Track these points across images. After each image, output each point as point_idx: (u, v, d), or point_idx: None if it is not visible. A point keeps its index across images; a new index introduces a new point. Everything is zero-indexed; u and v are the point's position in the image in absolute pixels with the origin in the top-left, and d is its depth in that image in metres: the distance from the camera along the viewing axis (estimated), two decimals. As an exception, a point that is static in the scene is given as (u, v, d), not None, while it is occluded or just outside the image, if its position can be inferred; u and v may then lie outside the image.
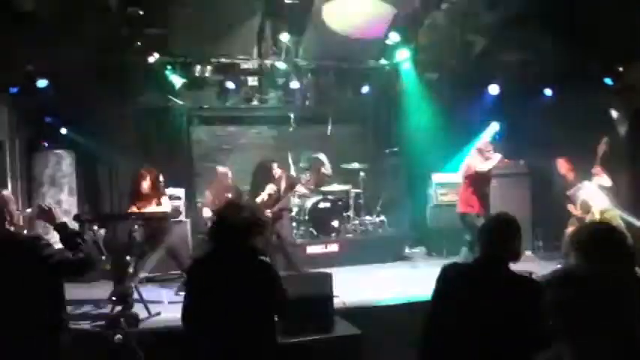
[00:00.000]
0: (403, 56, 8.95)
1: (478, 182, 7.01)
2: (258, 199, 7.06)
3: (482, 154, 7.08)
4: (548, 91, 9.19)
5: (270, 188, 7.15)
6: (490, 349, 2.80)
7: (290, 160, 8.77)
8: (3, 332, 2.97)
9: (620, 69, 8.22)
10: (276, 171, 7.31)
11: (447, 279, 3.07)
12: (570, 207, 7.10)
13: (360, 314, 5.03)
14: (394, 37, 8.67)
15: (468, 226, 6.83)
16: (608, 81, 8.39)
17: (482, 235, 3.10)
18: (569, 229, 6.74)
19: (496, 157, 6.99)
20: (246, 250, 3.28)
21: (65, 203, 7.85)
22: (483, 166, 6.98)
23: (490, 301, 2.86)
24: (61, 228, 3.30)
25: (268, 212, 6.96)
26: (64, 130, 8.18)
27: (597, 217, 6.66)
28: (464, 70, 9.05)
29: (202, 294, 3.25)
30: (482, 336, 2.82)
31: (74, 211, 7.59)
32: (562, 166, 7.42)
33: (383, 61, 9.38)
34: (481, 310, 2.85)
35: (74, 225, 5.02)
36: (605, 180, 6.88)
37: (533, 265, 7.80)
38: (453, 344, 2.90)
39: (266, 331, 3.28)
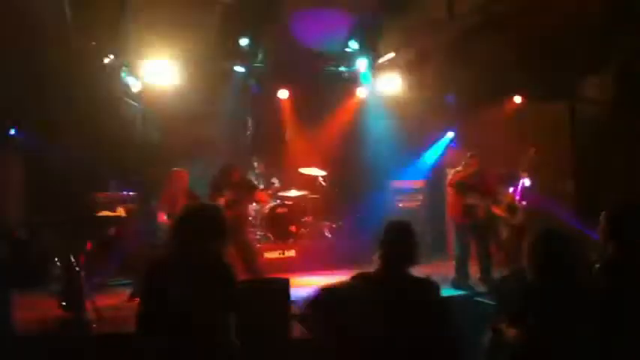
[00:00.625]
0: (362, 64, 9.05)
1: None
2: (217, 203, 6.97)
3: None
4: (505, 101, 9.45)
5: (228, 194, 7.07)
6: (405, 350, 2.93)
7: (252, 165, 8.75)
8: None
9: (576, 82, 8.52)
10: (235, 176, 7.24)
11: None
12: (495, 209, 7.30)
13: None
14: (353, 46, 8.77)
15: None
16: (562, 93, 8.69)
17: (382, 241, 3.17)
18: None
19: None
20: (207, 252, 3.22)
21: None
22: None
23: (397, 303, 2.98)
24: None
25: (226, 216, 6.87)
26: (12, 132, 7.93)
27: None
28: (423, 79, 9.19)
29: (158, 295, 3.17)
30: (394, 340, 2.93)
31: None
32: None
33: (342, 69, 9.47)
34: (390, 313, 2.94)
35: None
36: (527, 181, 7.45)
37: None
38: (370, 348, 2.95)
39: (222, 332, 3.23)
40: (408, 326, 2.97)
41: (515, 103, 9.42)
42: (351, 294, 3.08)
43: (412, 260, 3.15)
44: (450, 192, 7.36)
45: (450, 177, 7.31)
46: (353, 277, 3.24)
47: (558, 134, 8.88)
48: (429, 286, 3.11)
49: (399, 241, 3.17)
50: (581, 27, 7.24)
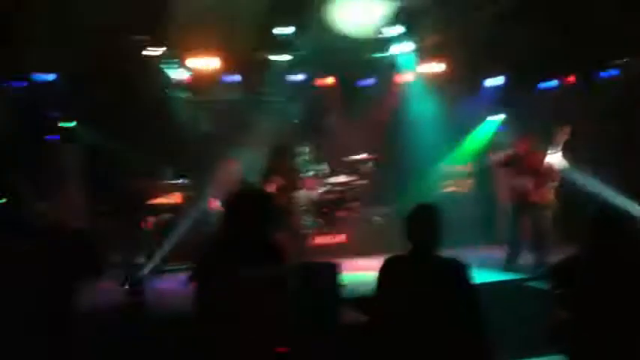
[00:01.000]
0: (406, 49, 8.99)
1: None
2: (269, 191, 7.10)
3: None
4: (551, 83, 9.24)
5: (278, 180, 7.18)
6: (433, 332, 3.04)
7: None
8: None
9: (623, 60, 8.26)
10: (285, 162, 7.32)
11: (388, 270, 3.28)
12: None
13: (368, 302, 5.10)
14: (398, 30, 8.73)
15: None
16: (613, 72, 8.44)
17: (411, 225, 3.24)
18: None
19: None
20: (261, 239, 3.28)
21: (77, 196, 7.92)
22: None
23: (428, 285, 3.10)
24: None
25: (277, 202, 6.99)
26: (70, 125, 8.25)
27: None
28: (467, 63, 9.08)
29: (216, 283, 3.24)
30: (425, 319, 3.06)
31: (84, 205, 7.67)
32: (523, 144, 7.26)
33: (386, 54, 9.43)
34: (421, 295, 3.09)
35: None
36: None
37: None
38: (399, 330, 3.10)
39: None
40: (435, 306, 3.07)
41: (564, 82, 9.18)
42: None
43: (438, 242, 3.21)
44: (500, 173, 7.28)
45: (500, 158, 7.23)
46: (386, 260, 3.32)
47: (607, 112, 8.60)
48: (456, 266, 3.17)
49: (426, 224, 3.22)
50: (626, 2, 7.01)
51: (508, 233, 7.21)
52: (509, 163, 7.08)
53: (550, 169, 6.97)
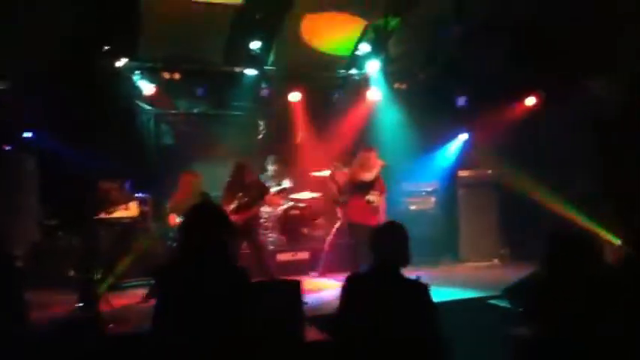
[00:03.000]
0: (373, 67, 9.05)
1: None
2: (230, 207, 6.99)
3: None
4: (515, 103, 9.41)
5: (240, 197, 7.08)
6: (396, 351, 3.03)
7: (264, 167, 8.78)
8: None
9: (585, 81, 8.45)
10: (248, 177, 7.25)
11: (350, 288, 3.25)
12: None
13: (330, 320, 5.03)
14: (364, 48, 8.79)
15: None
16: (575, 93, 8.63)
17: (375, 243, 3.26)
18: None
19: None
20: (219, 254, 3.21)
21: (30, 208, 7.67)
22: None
23: (390, 304, 3.10)
24: None
25: (239, 219, 6.89)
26: (27, 134, 8.00)
27: None
28: (433, 81, 9.19)
29: (175, 299, 3.17)
30: (388, 338, 3.05)
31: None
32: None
33: (353, 71, 9.47)
34: (383, 314, 3.08)
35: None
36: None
37: (500, 271, 8.02)
38: (363, 348, 3.09)
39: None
40: (397, 326, 3.07)
41: (528, 103, 9.35)
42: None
43: (403, 261, 3.22)
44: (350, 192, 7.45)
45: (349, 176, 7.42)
46: (348, 278, 3.28)
47: (574, 134, 8.79)
48: (418, 288, 3.17)
49: (391, 243, 3.23)
50: (591, 25, 7.20)
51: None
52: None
53: None
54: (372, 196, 7.20)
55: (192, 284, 3.13)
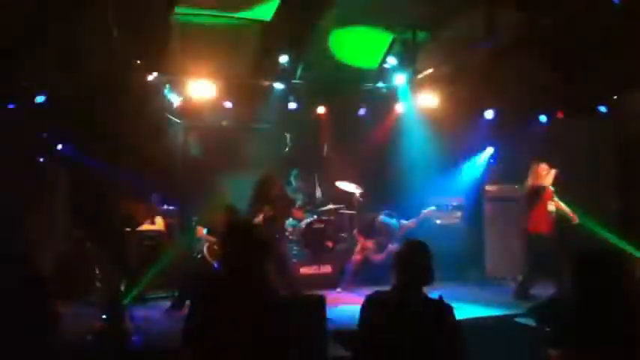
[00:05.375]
0: (400, 80, 9.04)
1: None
2: (255, 220, 7.02)
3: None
4: (543, 117, 9.29)
5: (267, 210, 7.10)
6: None
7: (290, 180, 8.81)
8: None
9: (615, 97, 8.32)
10: (274, 191, 7.26)
11: (371, 307, 3.23)
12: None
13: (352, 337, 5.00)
14: (391, 61, 8.79)
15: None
16: (602, 109, 8.51)
17: (398, 262, 3.20)
18: None
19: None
20: (257, 274, 3.18)
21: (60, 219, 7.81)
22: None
23: (412, 324, 3.05)
24: None
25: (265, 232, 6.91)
26: (60, 147, 8.17)
27: None
28: (461, 95, 9.13)
29: (211, 317, 3.10)
30: (408, 357, 3.01)
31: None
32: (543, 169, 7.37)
33: (380, 84, 9.48)
34: (403, 333, 3.02)
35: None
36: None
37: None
38: None
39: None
40: (419, 347, 3.01)
41: (554, 118, 9.23)
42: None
43: (426, 281, 3.17)
44: (530, 203, 7.31)
45: (529, 187, 7.32)
46: (368, 297, 3.24)
47: (598, 149, 8.68)
48: (441, 308, 3.11)
49: (414, 262, 3.18)
50: (619, 40, 7.09)
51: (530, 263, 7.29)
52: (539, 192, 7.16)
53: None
54: (552, 206, 7.25)
55: (232, 303, 3.09)
